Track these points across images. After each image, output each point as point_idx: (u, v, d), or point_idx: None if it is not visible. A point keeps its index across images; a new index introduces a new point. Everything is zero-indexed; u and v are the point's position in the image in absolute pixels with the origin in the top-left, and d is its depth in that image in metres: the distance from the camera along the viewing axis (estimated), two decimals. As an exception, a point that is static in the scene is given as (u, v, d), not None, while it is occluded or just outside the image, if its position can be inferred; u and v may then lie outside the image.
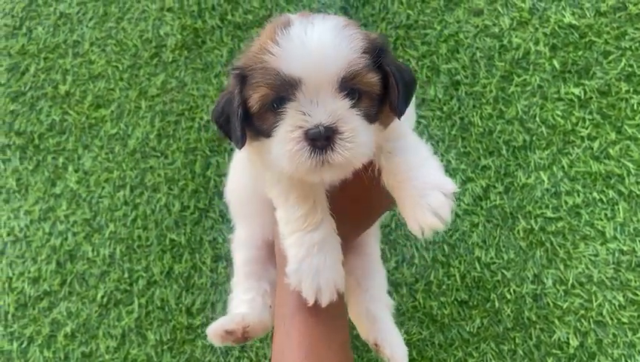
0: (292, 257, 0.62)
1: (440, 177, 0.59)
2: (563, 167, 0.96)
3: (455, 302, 0.95)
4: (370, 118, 0.57)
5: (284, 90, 0.53)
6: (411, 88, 0.60)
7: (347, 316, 0.74)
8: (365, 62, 0.55)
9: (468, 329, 0.94)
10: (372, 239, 0.81)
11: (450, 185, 0.58)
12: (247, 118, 0.57)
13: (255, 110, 0.56)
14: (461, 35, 1.01)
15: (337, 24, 0.55)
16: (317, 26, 0.54)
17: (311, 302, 0.62)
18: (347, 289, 0.73)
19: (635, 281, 0.92)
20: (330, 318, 0.66)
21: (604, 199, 0.94)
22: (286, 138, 0.54)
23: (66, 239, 1.00)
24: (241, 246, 0.81)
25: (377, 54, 0.56)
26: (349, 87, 0.54)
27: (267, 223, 0.76)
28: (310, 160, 0.54)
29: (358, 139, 0.54)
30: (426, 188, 0.59)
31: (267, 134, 0.56)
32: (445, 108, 0.99)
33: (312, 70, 0.53)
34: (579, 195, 0.95)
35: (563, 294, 0.93)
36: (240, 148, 0.59)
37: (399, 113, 0.58)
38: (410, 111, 0.76)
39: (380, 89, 0.57)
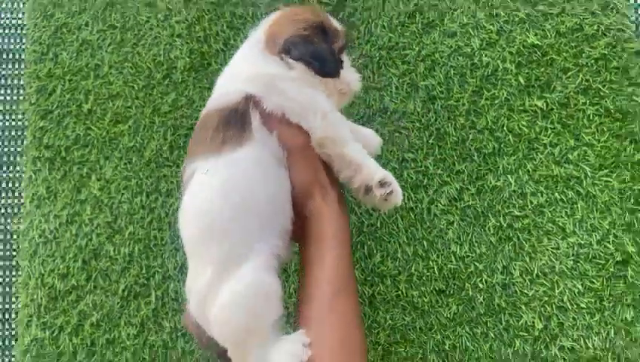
0: None
1: (377, 173, 0.74)
2: (528, 170, 1.01)
3: (434, 291, 0.99)
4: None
5: None
6: (320, 57, 0.73)
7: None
8: None
9: (445, 314, 0.98)
10: None
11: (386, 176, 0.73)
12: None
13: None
14: (437, 55, 1.06)
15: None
16: None
17: None
18: None
19: (592, 271, 0.97)
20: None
21: (565, 199, 1.00)
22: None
23: (91, 240, 1.04)
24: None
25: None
26: None
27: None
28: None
29: None
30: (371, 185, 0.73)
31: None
32: (423, 120, 1.05)
33: None
34: (542, 196, 1.00)
35: (529, 283, 0.97)
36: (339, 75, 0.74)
37: (331, 75, 0.73)
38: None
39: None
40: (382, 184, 0.73)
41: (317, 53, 0.73)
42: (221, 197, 0.68)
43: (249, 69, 0.75)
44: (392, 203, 0.74)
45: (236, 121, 0.70)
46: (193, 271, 0.70)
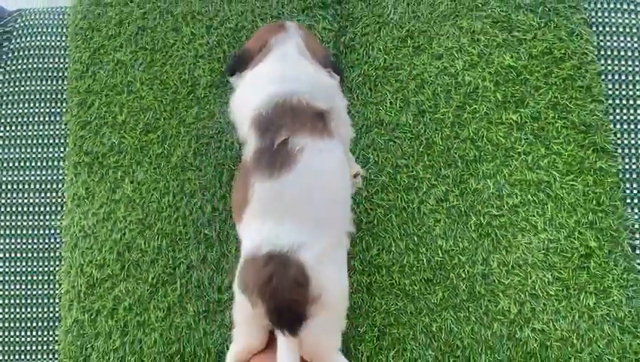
0: None
1: (356, 166, 0.94)
2: (505, 175, 1.05)
3: (422, 280, 1.04)
4: None
5: None
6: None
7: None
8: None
9: (432, 300, 1.03)
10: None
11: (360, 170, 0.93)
12: None
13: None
14: (426, 75, 1.11)
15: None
16: None
17: None
18: None
19: (560, 263, 1.02)
20: None
21: (536, 200, 1.04)
22: None
23: (124, 234, 1.09)
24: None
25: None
26: None
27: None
28: None
29: None
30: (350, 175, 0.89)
31: None
32: (414, 131, 1.10)
33: None
34: (517, 197, 1.05)
35: (505, 273, 1.02)
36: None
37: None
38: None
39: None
40: (355, 175, 0.92)
41: (340, 69, 0.90)
42: (340, 177, 0.79)
43: (320, 77, 0.86)
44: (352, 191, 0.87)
45: (319, 119, 0.79)
46: (287, 230, 0.73)
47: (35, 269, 1.14)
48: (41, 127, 1.18)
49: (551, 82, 1.08)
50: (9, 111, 1.17)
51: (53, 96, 1.19)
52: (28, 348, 1.09)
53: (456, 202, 1.07)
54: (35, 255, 1.14)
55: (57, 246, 1.15)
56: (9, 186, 1.16)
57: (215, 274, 1.08)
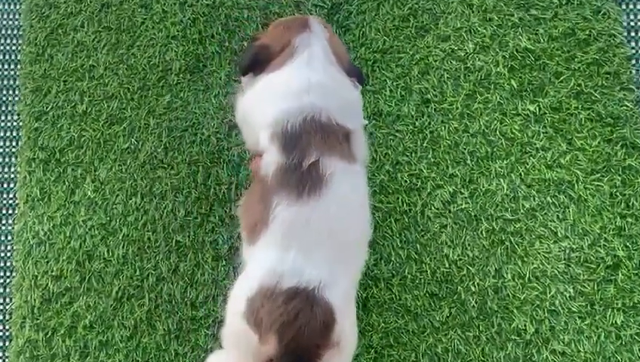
0: None
1: None
2: (520, 174, 1.02)
3: (426, 294, 1.00)
4: None
5: None
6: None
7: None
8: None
9: (438, 318, 0.99)
10: None
11: None
12: None
13: None
14: (431, 59, 1.08)
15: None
16: None
17: None
18: None
19: (584, 275, 0.99)
20: None
21: (557, 203, 1.01)
22: None
23: (85, 241, 1.05)
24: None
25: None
26: None
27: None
28: None
29: None
30: None
31: None
32: (417, 124, 1.06)
33: None
34: (534, 199, 1.01)
35: (521, 287, 0.98)
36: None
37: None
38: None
39: None
40: None
41: (364, 76, 0.91)
42: (367, 206, 0.78)
43: (348, 92, 0.84)
44: None
45: (346, 141, 0.78)
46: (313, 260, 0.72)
47: (-19, 281, 1.10)
48: (-10, 118, 1.14)
49: (574, 68, 1.05)
50: (-48, 100, 1.16)
51: (4, 83, 1.16)
52: (-27, 371, 1.06)
53: (464, 205, 1.03)
54: (-18, 264, 1.10)
55: (8, 254, 1.10)
56: (-48, 186, 1.13)
57: (189, 287, 1.03)
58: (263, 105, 0.81)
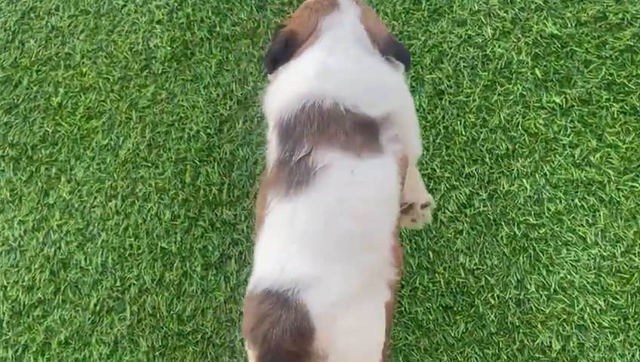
0: None
1: (426, 195, 0.84)
2: (545, 174, 0.99)
3: (440, 308, 0.97)
4: None
5: None
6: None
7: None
8: None
9: (452, 334, 0.96)
10: None
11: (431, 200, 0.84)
12: None
13: None
14: (445, 46, 1.04)
15: None
16: None
17: None
18: None
19: (616, 286, 0.94)
20: None
21: (586, 206, 0.97)
22: None
23: (60, 248, 1.02)
24: None
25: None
26: None
27: None
28: None
29: None
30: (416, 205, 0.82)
31: None
32: (430, 118, 1.03)
33: None
34: (561, 202, 0.98)
35: (545, 299, 0.96)
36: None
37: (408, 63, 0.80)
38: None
39: None
40: (423, 206, 0.83)
41: (407, 53, 0.83)
42: (379, 207, 0.72)
43: (376, 74, 0.78)
44: (417, 226, 0.84)
45: (364, 130, 0.72)
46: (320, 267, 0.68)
47: (-54, 292, 1.07)
48: (-45, 112, 1.13)
49: (604, 55, 1.01)
50: None
51: (-30, 72, 1.15)
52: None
53: (482, 208, 1.00)
54: (-53, 274, 1.07)
55: None
56: None
57: (175, 299, 1.01)
58: (274, 93, 0.80)
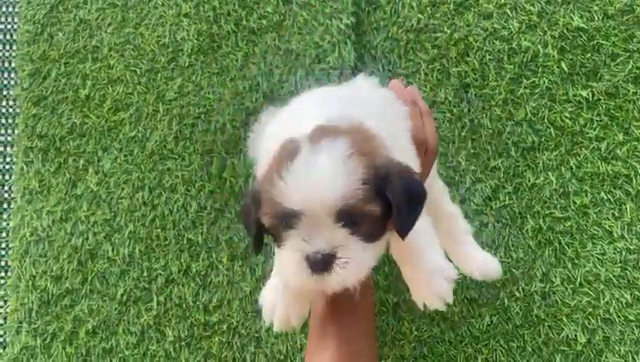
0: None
1: (443, 262, 0.70)
2: (571, 167, 0.99)
3: (465, 300, 0.97)
4: (374, 236, 0.61)
5: (288, 220, 0.60)
6: (417, 205, 0.62)
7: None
8: (364, 193, 0.58)
9: (477, 326, 0.96)
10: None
11: (452, 272, 0.69)
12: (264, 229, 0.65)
13: (267, 227, 0.63)
14: (471, 39, 1.03)
15: (340, 155, 0.58)
16: (320, 159, 0.58)
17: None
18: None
19: None
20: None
21: (612, 199, 0.97)
22: (289, 258, 0.61)
23: (87, 239, 1.02)
24: None
25: (380, 182, 0.60)
26: (347, 217, 0.58)
27: None
28: (310, 278, 0.60)
29: (355, 263, 0.60)
30: (433, 273, 0.69)
31: (279, 245, 0.63)
32: (455, 111, 1.02)
33: (311, 204, 0.58)
34: (587, 195, 0.98)
35: (571, 292, 0.95)
36: (256, 254, 0.73)
37: (403, 234, 0.61)
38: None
39: (382, 213, 0.60)
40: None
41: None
42: None
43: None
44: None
45: None
46: None
47: (-26, 281, 1.08)
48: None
49: (632, 49, 1.00)
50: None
51: (-1, 65, 1.16)
52: (-34, 380, 1.06)
53: (508, 201, 1.00)
54: (-24, 263, 1.08)
55: (3, 253, 1.08)
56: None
57: (201, 289, 1.01)
58: None
